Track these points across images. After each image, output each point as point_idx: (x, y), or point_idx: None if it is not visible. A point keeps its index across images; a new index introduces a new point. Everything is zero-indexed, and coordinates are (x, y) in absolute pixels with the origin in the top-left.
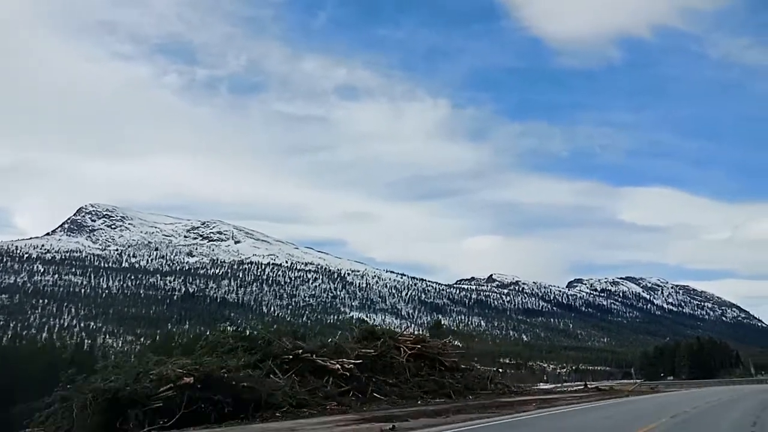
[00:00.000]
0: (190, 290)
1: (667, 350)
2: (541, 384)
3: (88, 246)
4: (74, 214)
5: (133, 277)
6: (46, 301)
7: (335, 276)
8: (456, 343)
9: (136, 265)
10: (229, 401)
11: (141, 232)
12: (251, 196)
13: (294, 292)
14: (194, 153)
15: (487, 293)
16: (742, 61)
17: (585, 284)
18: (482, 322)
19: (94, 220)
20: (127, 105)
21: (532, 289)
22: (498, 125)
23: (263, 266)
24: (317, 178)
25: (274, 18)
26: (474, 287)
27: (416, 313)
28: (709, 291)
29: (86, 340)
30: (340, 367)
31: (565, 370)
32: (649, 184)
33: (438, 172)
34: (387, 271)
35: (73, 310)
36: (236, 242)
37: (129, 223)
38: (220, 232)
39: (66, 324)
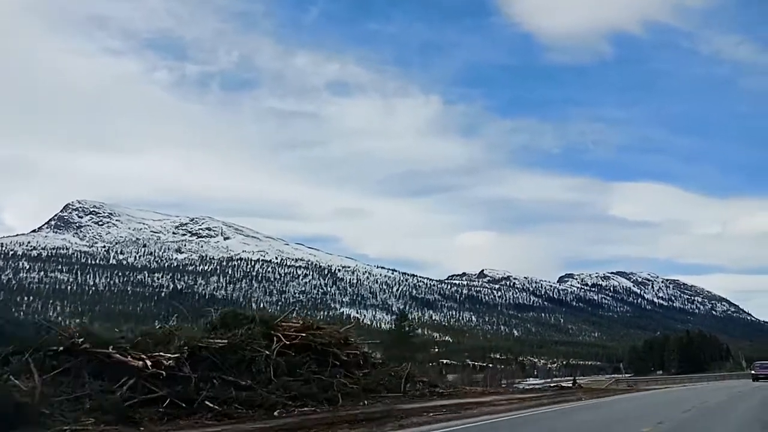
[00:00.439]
0: (178, 287)
1: (656, 344)
2: (530, 379)
3: (75, 243)
4: (61, 211)
5: (120, 274)
6: (31, 298)
7: (326, 272)
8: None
9: (124, 262)
10: None
11: (129, 228)
12: (242, 193)
13: (283, 288)
14: (184, 149)
15: (478, 288)
16: (733, 58)
17: (576, 279)
18: (473, 317)
19: (81, 217)
20: (117, 100)
21: (523, 284)
22: (490, 121)
23: (252, 262)
24: (309, 174)
25: (265, 13)
26: (465, 282)
27: (407, 308)
28: (700, 285)
29: None
30: (149, 363)
31: (555, 365)
32: (640, 180)
33: (430, 169)
34: (378, 267)
35: (59, 307)
36: (225, 238)
37: (117, 220)
38: (209, 229)
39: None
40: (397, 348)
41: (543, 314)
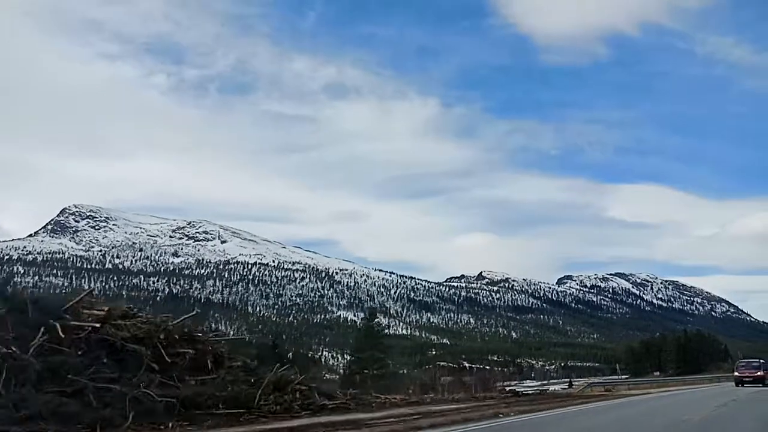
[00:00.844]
0: (174, 291)
1: (653, 345)
2: (528, 381)
3: (71, 247)
4: (57, 215)
5: (116, 279)
6: None
7: (323, 275)
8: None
9: (120, 266)
10: None
11: (125, 232)
12: (239, 196)
13: (280, 292)
14: (181, 153)
15: (477, 291)
16: (728, 59)
17: (575, 281)
18: (471, 319)
19: (78, 221)
20: (113, 105)
21: (522, 286)
22: (487, 123)
23: (249, 266)
24: (306, 178)
25: (262, 17)
26: (464, 285)
27: (405, 311)
28: (698, 286)
29: None
30: None
31: (553, 366)
32: (638, 181)
33: (428, 171)
34: (376, 270)
35: None
36: (222, 242)
37: (113, 224)
38: (206, 232)
39: None
40: (368, 349)
41: (542, 316)
